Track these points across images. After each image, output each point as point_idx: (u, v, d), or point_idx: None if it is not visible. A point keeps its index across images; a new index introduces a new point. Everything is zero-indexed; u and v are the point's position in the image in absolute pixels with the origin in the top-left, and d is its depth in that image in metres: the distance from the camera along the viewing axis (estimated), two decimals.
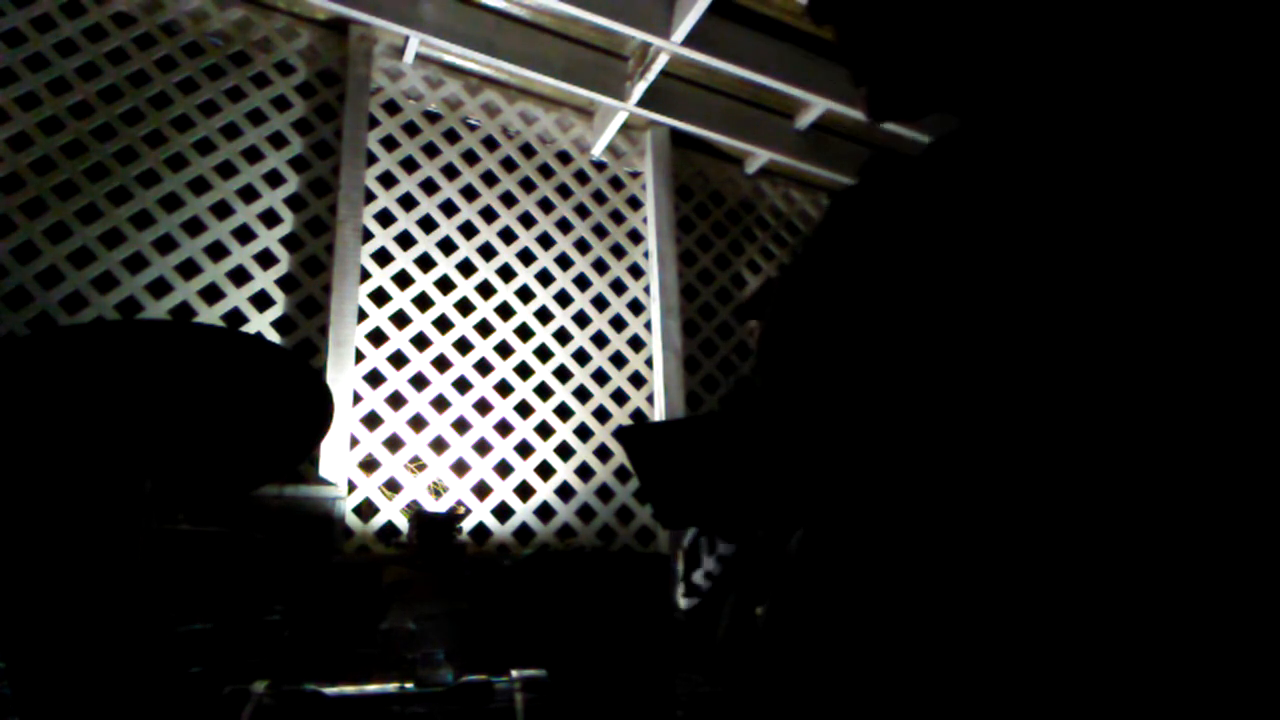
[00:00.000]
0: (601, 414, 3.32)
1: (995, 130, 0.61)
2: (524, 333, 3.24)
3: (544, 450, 3.14)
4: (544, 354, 3.26)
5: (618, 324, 3.48)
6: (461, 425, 3.01)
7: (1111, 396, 0.51)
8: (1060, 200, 0.54)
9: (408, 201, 3.17)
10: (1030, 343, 0.54)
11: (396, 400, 2.92)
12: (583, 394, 3.30)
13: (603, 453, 3.25)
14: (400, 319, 3.02)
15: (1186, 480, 0.50)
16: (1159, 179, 0.52)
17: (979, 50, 0.63)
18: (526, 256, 3.35)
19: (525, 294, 3.30)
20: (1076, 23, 0.58)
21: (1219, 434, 0.50)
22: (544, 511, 3.09)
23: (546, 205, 3.48)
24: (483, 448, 3.04)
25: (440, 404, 3.00)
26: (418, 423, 2.94)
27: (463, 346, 3.10)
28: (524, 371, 3.20)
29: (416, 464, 2.90)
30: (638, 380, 3.45)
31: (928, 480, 0.58)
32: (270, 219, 2.88)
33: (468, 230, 3.25)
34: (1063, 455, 0.53)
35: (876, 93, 0.70)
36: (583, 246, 3.50)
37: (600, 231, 3.58)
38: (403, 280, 3.06)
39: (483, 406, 3.07)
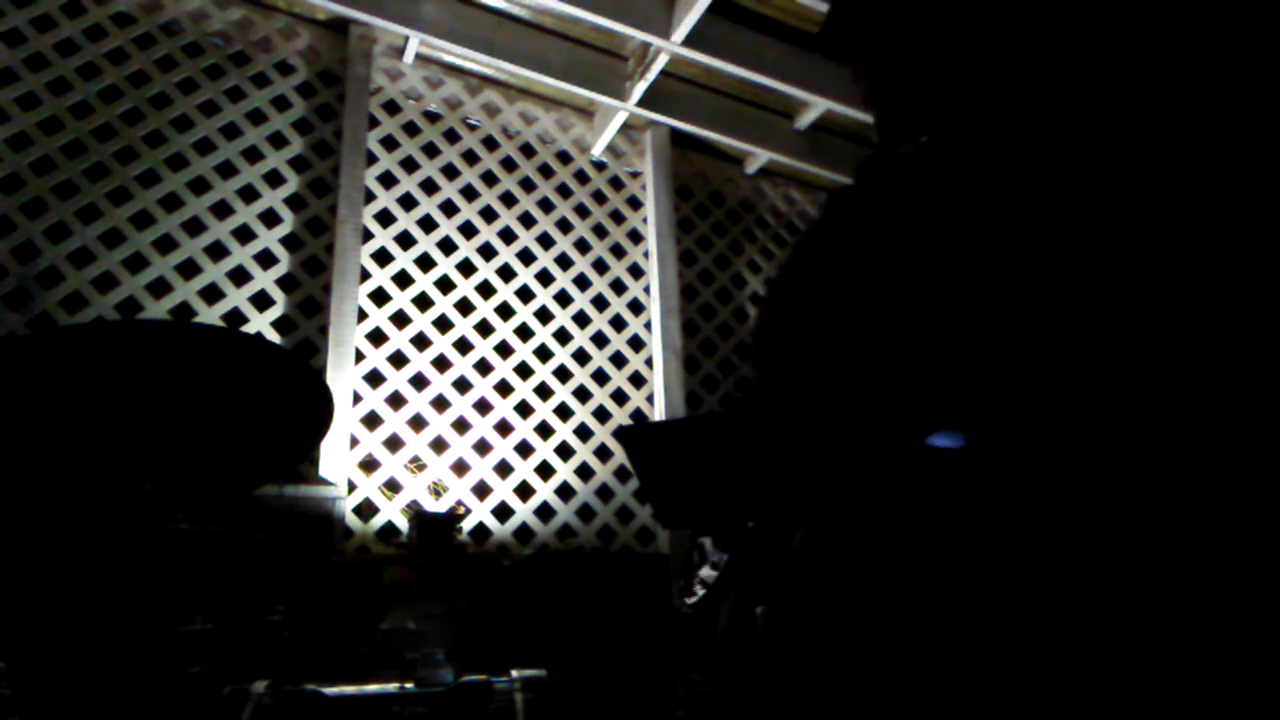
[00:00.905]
0: (601, 414, 3.32)
1: (984, 133, 0.61)
2: (524, 333, 3.24)
3: (544, 450, 3.14)
4: (544, 354, 3.26)
5: (618, 324, 3.48)
6: (461, 425, 3.01)
7: (1109, 396, 0.52)
8: (1048, 200, 0.55)
9: (408, 201, 3.17)
10: (1026, 341, 0.54)
11: (396, 400, 2.92)
12: (583, 394, 3.30)
13: (603, 453, 3.25)
14: (400, 319, 3.02)
15: (1186, 481, 0.50)
16: (1141, 178, 0.52)
17: (978, 74, 0.64)
18: (526, 256, 3.35)
19: (525, 294, 3.30)
20: (1067, 43, 0.59)
21: (1216, 435, 0.50)
22: (544, 511, 3.09)
23: (546, 205, 3.48)
24: (483, 448, 3.04)
25: (440, 404, 3.00)
26: (418, 423, 2.94)
27: (463, 346, 3.10)
28: (524, 371, 3.20)
29: (416, 464, 2.90)
30: (638, 380, 3.45)
31: (929, 481, 0.58)
32: (270, 219, 2.88)
33: (468, 230, 3.25)
34: (1063, 456, 0.53)
35: (885, 116, 0.72)
36: (583, 246, 3.50)
37: (600, 231, 3.58)
38: (403, 280, 3.06)
39: (483, 406, 3.07)
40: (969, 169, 0.59)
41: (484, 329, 3.17)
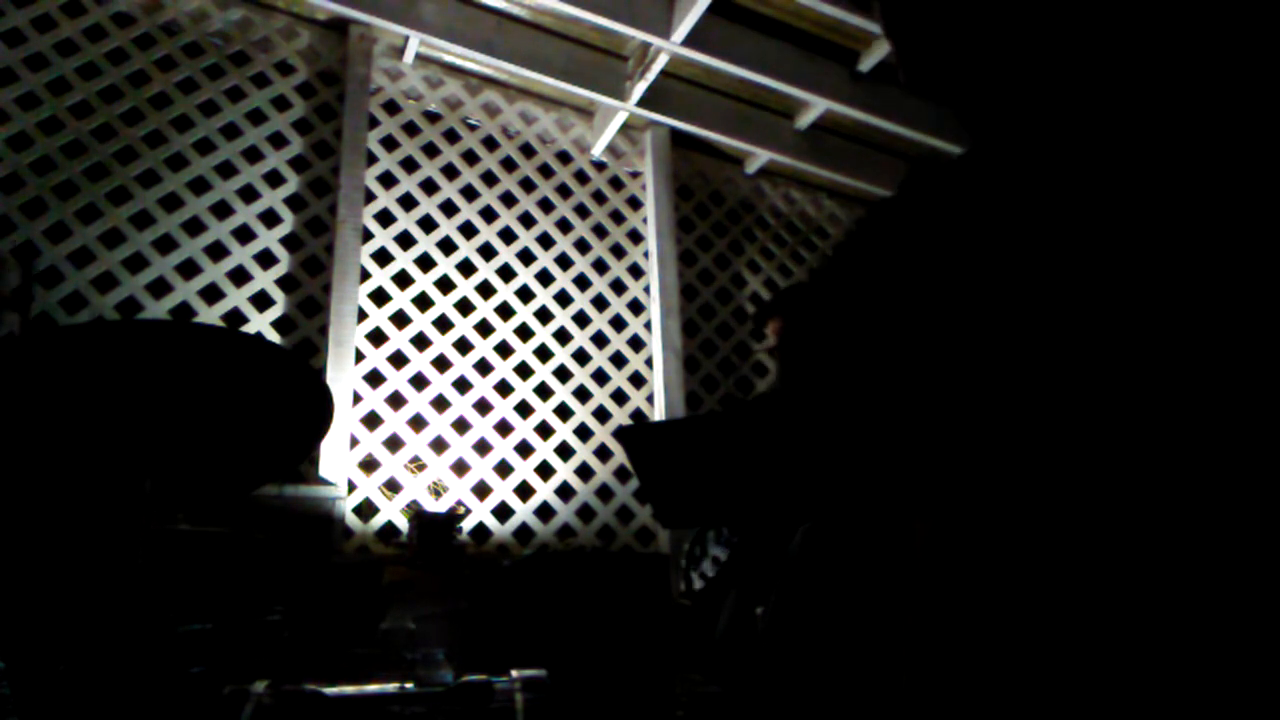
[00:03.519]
0: (601, 414, 3.32)
1: (1013, 148, 0.61)
2: (524, 333, 3.25)
3: (544, 450, 3.14)
4: (544, 354, 3.26)
5: (618, 324, 3.48)
6: (461, 425, 3.01)
7: (1116, 403, 0.52)
8: (1072, 219, 0.55)
9: (408, 201, 3.17)
10: (1040, 350, 0.54)
11: (396, 400, 2.92)
12: (583, 394, 3.30)
13: (603, 453, 3.25)
14: (400, 319, 3.02)
15: (1188, 482, 0.50)
16: (1172, 191, 0.52)
17: (1002, 18, 0.63)
18: (526, 256, 3.35)
19: (525, 294, 3.30)
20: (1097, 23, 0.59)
21: (1220, 436, 0.50)
22: (544, 511, 3.09)
23: (546, 205, 3.48)
24: (483, 448, 3.04)
25: (440, 404, 3.00)
26: (418, 423, 2.94)
27: (463, 346, 3.10)
28: (524, 371, 3.20)
29: (416, 464, 2.90)
30: (638, 380, 3.45)
31: (936, 483, 0.58)
32: (270, 219, 2.88)
33: (468, 230, 3.25)
34: (1068, 459, 0.53)
35: (905, 54, 0.71)
36: (583, 246, 3.50)
37: (600, 231, 3.58)
38: (403, 280, 3.06)
39: (483, 406, 3.07)
40: (1004, 187, 0.59)
41: (484, 329, 3.17)
